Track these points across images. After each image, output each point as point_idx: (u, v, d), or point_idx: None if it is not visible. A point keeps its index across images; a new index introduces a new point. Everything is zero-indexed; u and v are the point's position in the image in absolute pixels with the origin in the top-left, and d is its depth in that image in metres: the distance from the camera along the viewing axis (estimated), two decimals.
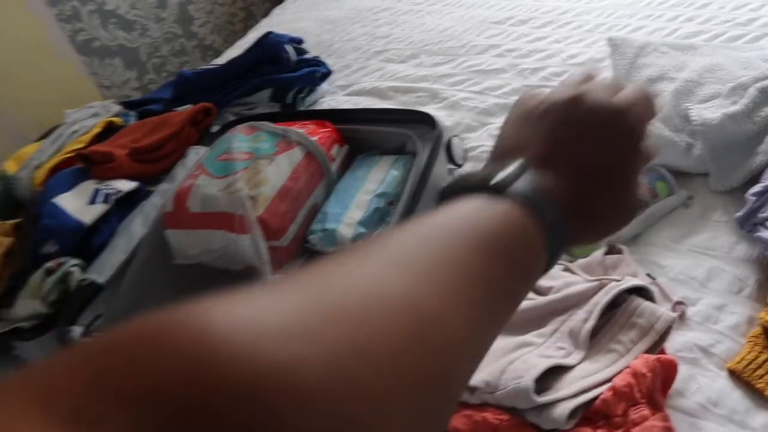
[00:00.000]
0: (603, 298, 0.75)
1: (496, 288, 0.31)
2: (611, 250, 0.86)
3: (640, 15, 1.35)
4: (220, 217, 0.93)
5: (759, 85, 0.96)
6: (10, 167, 1.23)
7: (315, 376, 0.19)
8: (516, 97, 1.20)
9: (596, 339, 0.74)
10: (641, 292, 0.77)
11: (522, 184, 0.35)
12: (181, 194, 0.97)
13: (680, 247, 0.88)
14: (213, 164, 1.01)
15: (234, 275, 0.95)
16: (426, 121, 1.05)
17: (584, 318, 0.75)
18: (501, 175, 0.35)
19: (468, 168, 1.08)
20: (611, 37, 1.12)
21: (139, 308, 0.93)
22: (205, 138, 1.20)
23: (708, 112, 0.96)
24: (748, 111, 0.94)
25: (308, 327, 0.21)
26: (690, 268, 0.84)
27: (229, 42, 2.71)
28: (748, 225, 0.86)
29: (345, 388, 0.20)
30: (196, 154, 1.13)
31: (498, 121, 1.17)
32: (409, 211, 0.88)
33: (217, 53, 2.67)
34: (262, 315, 0.21)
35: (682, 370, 0.72)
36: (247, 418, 0.18)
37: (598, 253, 0.86)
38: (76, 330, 0.89)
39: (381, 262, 0.28)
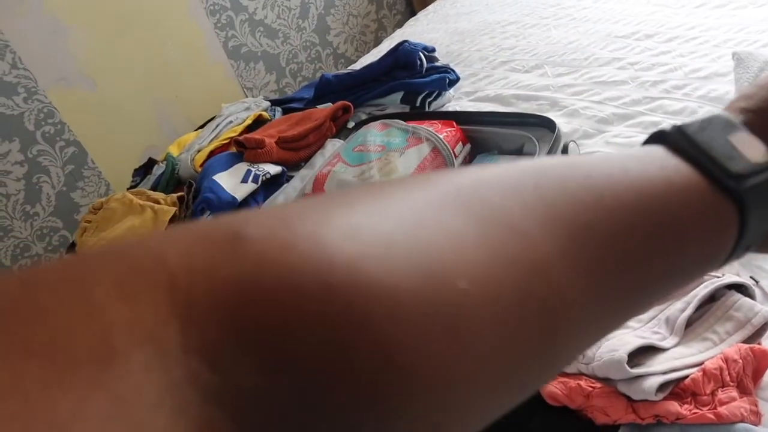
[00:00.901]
0: (701, 291, 0.80)
1: (648, 259, 0.25)
2: None
3: None
4: None
5: None
6: (173, 150, 1.42)
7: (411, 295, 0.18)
8: (635, 108, 1.24)
9: (692, 328, 0.79)
10: (741, 289, 0.81)
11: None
12: (319, 178, 1.10)
13: None
14: (349, 154, 1.13)
15: None
16: (546, 125, 1.12)
17: (682, 308, 0.80)
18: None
19: None
20: (736, 52, 1.15)
21: None
22: (342, 132, 1.34)
23: None
24: None
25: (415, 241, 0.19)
26: None
27: (360, 51, 2.89)
28: None
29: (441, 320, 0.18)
30: (334, 145, 1.27)
31: (615, 130, 1.22)
32: None
33: (348, 61, 2.85)
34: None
35: None
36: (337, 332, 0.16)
37: None
38: None
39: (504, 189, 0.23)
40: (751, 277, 0.88)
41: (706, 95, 1.23)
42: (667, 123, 1.17)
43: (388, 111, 1.43)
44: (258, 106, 1.50)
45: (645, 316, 0.82)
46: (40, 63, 1.90)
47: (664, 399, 0.70)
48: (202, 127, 1.53)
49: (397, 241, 0.19)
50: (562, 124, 1.24)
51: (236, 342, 0.16)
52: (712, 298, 0.81)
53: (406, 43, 1.47)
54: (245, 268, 0.16)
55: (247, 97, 2.50)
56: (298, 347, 0.16)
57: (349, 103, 1.36)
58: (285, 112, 1.51)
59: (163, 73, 2.23)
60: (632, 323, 0.81)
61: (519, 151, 1.16)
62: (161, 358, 0.15)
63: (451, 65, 1.56)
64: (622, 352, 0.72)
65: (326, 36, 2.77)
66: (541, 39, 1.61)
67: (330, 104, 1.41)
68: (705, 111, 1.20)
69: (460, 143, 1.16)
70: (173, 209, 1.15)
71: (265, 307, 0.16)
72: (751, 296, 0.80)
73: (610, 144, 1.19)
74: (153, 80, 2.20)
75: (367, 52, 2.29)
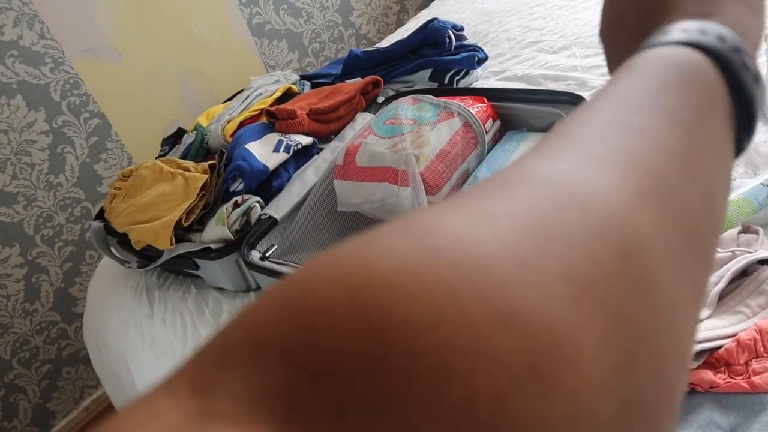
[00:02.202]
0: (734, 265, 0.81)
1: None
2: (746, 230, 0.91)
3: None
4: (385, 171, 1.06)
5: None
6: (202, 121, 1.43)
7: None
8: None
9: (724, 301, 0.80)
10: None
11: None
12: (351, 150, 1.11)
13: None
14: (381, 127, 1.14)
15: None
16: (577, 102, 1.13)
17: (715, 281, 0.81)
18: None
19: None
20: None
21: (304, 244, 1.08)
22: (372, 107, 1.34)
23: None
24: None
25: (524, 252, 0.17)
26: None
27: (382, 33, 2.89)
28: None
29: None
30: (364, 119, 1.27)
31: None
32: None
33: (370, 42, 2.85)
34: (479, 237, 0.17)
35: None
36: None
37: (732, 231, 0.90)
38: (255, 254, 1.05)
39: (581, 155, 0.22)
40: None
41: None
42: None
43: (417, 88, 1.44)
44: (287, 79, 1.51)
45: None
46: (67, 33, 1.91)
47: (698, 368, 0.71)
48: (230, 99, 1.54)
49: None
50: None
51: None
52: (743, 273, 0.82)
53: (436, 21, 1.48)
54: None
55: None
56: None
57: (380, 78, 1.37)
58: (314, 86, 1.52)
59: (187, 48, 2.24)
60: None
61: (549, 129, 1.17)
62: None
63: (479, 45, 1.56)
64: None
65: (349, 16, 2.76)
66: (570, 21, 1.61)
67: (359, 79, 1.42)
68: None
69: (491, 119, 1.17)
70: (205, 176, 1.16)
71: None
72: None
73: None
74: (177, 55, 2.21)
75: (389, 34, 2.29)
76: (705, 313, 0.79)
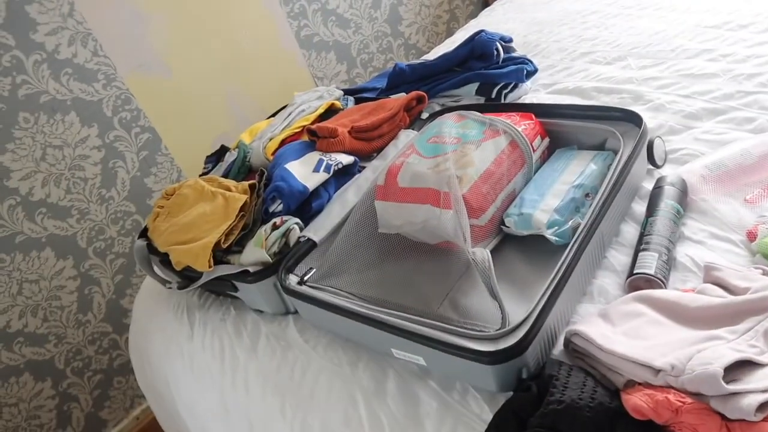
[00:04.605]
0: None
1: None
2: None
3: None
4: (427, 193, 1.02)
5: None
6: (245, 138, 1.42)
7: None
8: (726, 102, 1.17)
9: None
10: None
11: None
12: (392, 170, 1.08)
13: None
14: (423, 145, 1.10)
15: (430, 248, 1.04)
16: (631, 119, 1.07)
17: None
18: None
19: (666, 169, 1.09)
20: None
21: (344, 267, 1.05)
22: (416, 123, 1.31)
23: None
24: None
25: None
26: None
27: (431, 42, 2.85)
28: None
29: None
30: (407, 136, 1.24)
31: (704, 126, 1.15)
32: (605, 205, 0.91)
33: (420, 52, 2.82)
34: None
35: None
36: None
37: None
38: (293, 279, 1.03)
39: None
40: None
41: None
42: (762, 118, 1.10)
43: (463, 102, 1.40)
44: (330, 95, 1.49)
45: (741, 327, 0.76)
46: (119, 50, 1.95)
47: (765, 420, 0.65)
48: (274, 115, 1.52)
49: None
50: (647, 119, 1.17)
51: None
52: None
53: (483, 33, 1.43)
54: None
55: (317, 86, 2.50)
56: None
57: (424, 93, 1.33)
58: (357, 101, 1.49)
59: (235, 61, 2.25)
60: (726, 334, 0.75)
61: (601, 147, 1.11)
62: None
63: (528, 56, 1.51)
64: (717, 366, 0.66)
65: (398, 26, 2.74)
66: (624, 29, 1.54)
67: (403, 94, 1.38)
68: None
69: (539, 137, 1.12)
70: (244, 197, 1.14)
71: None
72: None
73: (699, 140, 1.12)
74: (226, 68, 2.23)
75: (439, 44, 2.25)
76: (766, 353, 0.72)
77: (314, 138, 1.23)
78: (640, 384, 0.72)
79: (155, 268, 1.25)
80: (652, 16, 1.57)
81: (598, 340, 0.76)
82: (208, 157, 1.49)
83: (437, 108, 1.37)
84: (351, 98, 1.49)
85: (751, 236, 0.91)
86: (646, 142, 1.03)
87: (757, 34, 1.35)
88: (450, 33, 2.85)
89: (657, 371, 0.71)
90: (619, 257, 0.94)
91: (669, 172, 1.07)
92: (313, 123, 1.35)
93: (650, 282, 0.86)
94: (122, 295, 2.08)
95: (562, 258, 0.85)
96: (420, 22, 2.82)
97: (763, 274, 0.84)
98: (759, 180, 1.01)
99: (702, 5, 1.55)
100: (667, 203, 0.96)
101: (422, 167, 1.05)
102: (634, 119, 1.06)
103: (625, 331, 0.79)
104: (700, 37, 1.40)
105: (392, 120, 1.25)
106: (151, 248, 1.26)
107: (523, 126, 1.10)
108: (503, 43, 1.45)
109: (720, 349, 0.72)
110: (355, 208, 1.10)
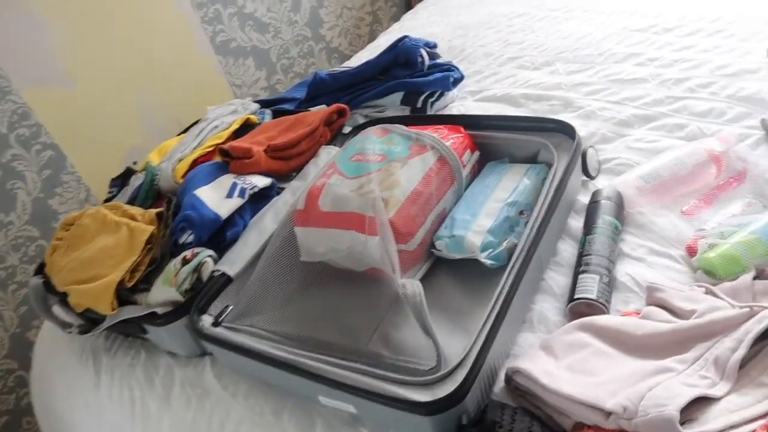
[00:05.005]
0: (755, 326, 0.70)
1: None
2: (761, 274, 0.80)
3: None
4: (350, 218, 0.93)
5: None
6: (154, 158, 1.30)
7: None
8: (657, 109, 1.14)
9: (744, 370, 0.69)
10: None
11: None
12: (313, 193, 0.99)
13: None
14: (346, 164, 1.02)
15: (357, 276, 0.96)
16: (564, 130, 1.02)
17: (733, 347, 0.70)
18: None
19: (600, 180, 1.04)
20: None
21: (264, 303, 0.96)
22: (337, 138, 1.22)
23: None
24: None
25: None
26: None
27: (354, 45, 2.77)
28: None
29: None
30: (328, 153, 1.15)
31: (636, 133, 1.11)
32: (543, 225, 0.86)
33: (342, 56, 2.74)
34: None
35: None
36: None
37: (746, 277, 0.80)
38: (206, 320, 0.93)
39: None
40: None
41: (734, 94, 1.13)
42: (693, 125, 1.07)
43: (388, 113, 1.32)
44: (246, 108, 1.38)
45: (689, 356, 0.72)
46: (14, 61, 1.78)
47: None
48: (186, 131, 1.41)
49: None
50: (579, 126, 1.13)
51: None
52: (764, 335, 0.70)
53: (407, 39, 1.36)
54: None
55: (235, 95, 2.38)
56: None
57: (345, 106, 1.25)
58: (275, 114, 1.39)
59: (147, 69, 2.11)
60: (676, 365, 0.71)
61: (533, 159, 1.05)
62: None
63: (454, 62, 1.45)
64: (672, 408, 0.61)
65: (319, 30, 2.64)
66: (551, 33, 1.50)
67: (324, 106, 1.30)
68: (734, 112, 1.09)
69: (468, 151, 1.05)
70: (151, 228, 1.03)
71: None
72: None
73: (632, 149, 1.09)
74: (136, 77, 2.08)
75: (362, 47, 2.17)
76: (724, 387, 0.67)
77: (227, 159, 1.13)
78: (589, 427, 0.67)
79: (54, 309, 1.12)
80: (579, 19, 1.54)
81: (542, 379, 0.71)
82: (113, 180, 1.36)
83: (360, 120, 1.29)
84: (268, 112, 1.38)
85: (691, 251, 0.88)
86: (581, 155, 0.98)
87: (682, 37, 1.33)
88: (373, 36, 2.78)
89: (608, 414, 0.65)
90: (557, 279, 0.89)
91: (603, 183, 1.03)
92: (226, 141, 1.24)
93: (592, 307, 0.82)
94: (28, 328, 1.91)
95: (500, 286, 0.79)
96: (342, 24, 2.73)
97: (706, 292, 0.80)
98: (694, 190, 0.98)
99: (628, 8, 1.52)
100: (605, 219, 0.92)
101: (345, 189, 0.96)
102: (568, 131, 1.01)
103: (570, 364, 0.74)
104: (627, 40, 1.38)
105: (312, 136, 1.16)
106: (49, 286, 1.12)
107: (452, 140, 1.03)
108: (428, 50, 1.38)
109: (672, 385, 0.67)
110: (274, 235, 1.01)
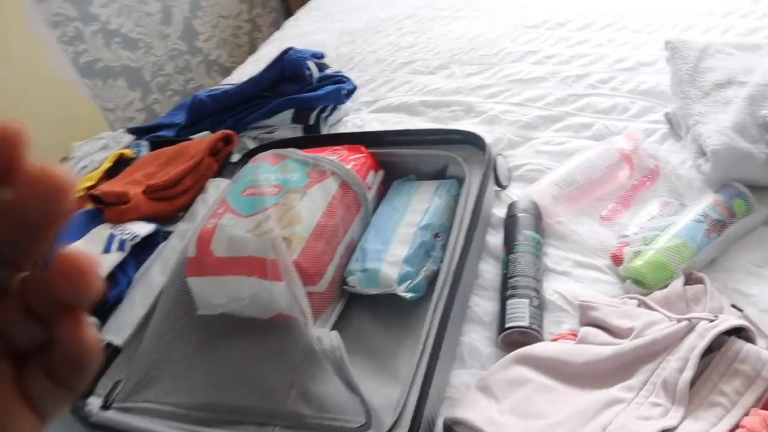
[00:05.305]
0: (698, 342, 0.66)
1: None
2: (689, 278, 0.77)
3: (689, 13, 1.25)
4: (250, 262, 0.83)
5: None
6: None
7: None
8: (561, 108, 1.10)
9: (694, 389, 0.64)
10: (739, 333, 0.67)
11: None
12: (204, 237, 0.87)
13: (765, 272, 0.79)
14: (238, 200, 0.91)
15: (264, 324, 0.85)
16: (472, 141, 0.95)
17: (679, 367, 0.65)
18: None
19: (513, 189, 0.99)
20: (669, 40, 1.01)
21: (161, 371, 0.83)
22: (226, 168, 1.10)
23: None
24: None
25: None
26: None
27: (235, 56, 2.63)
28: None
29: None
30: (217, 187, 1.03)
31: (543, 135, 1.07)
32: (465, 249, 0.79)
33: (223, 68, 2.59)
34: None
35: None
36: None
37: (677, 284, 0.76)
38: (94, 402, 0.79)
39: None
40: (733, 306, 0.75)
41: (635, 88, 1.10)
42: (599, 123, 1.03)
43: (279, 133, 1.21)
44: (118, 142, 1.22)
45: (636, 382, 0.67)
46: None
47: None
48: None
49: None
50: (483, 133, 1.07)
51: None
52: (709, 349, 0.66)
53: (292, 51, 1.26)
54: None
55: (108, 121, 2.17)
56: None
57: (231, 132, 1.13)
58: (153, 145, 1.24)
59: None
60: (624, 394, 0.66)
61: (442, 174, 0.98)
62: None
63: (344, 71, 1.36)
64: None
65: (195, 42, 2.48)
66: (443, 34, 1.44)
67: (207, 132, 1.17)
68: (637, 107, 1.06)
69: (372, 171, 0.97)
70: None
71: None
72: (752, 339, 0.67)
73: (541, 153, 1.04)
74: None
75: (243, 57, 2.04)
76: (677, 413, 0.63)
77: (100, 206, 0.98)
78: None
79: None
80: (469, 18, 1.48)
81: (487, 429, 0.63)
82: None
83: (250, 144, 1.18)
84: (144, 143, 1.23)
85: (616, 260, 0.84)
86: (493, 168, 0.92)
87: (575, 32, 1.30)
88: (254, 45, 2.64)
89: None
90: (483, 305, 0.83)
91: (516, 192, 0.97)
92: (98, 184, 1.09)
93: (525, 334, 0.76)
94: None
95: (427, 322, 0.72)
96: (219, 35, 2.58)
97: (639, 304, 0.76)
98: (610, 193, 0.94)
99: (516, 3, 1.49)
100: (525, 235, 0.86)
101: (240, 230, 0.85)
102: (477, 142, 0.94)
103: (513, 406, 0.68)
104: (521, 38, 1.33)
105: (196, 169, 1.04)
106: None
107: (353, 162, 0.94)
108: (316, 61, 1.28)
109: (627, 422, 0.62)
110: (164, 290, 0.88)
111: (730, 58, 0.99)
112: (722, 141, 0.85)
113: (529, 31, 1.35)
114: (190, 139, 1.15)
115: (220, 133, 1.10)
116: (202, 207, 1.00)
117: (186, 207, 1.02)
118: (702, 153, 0.91)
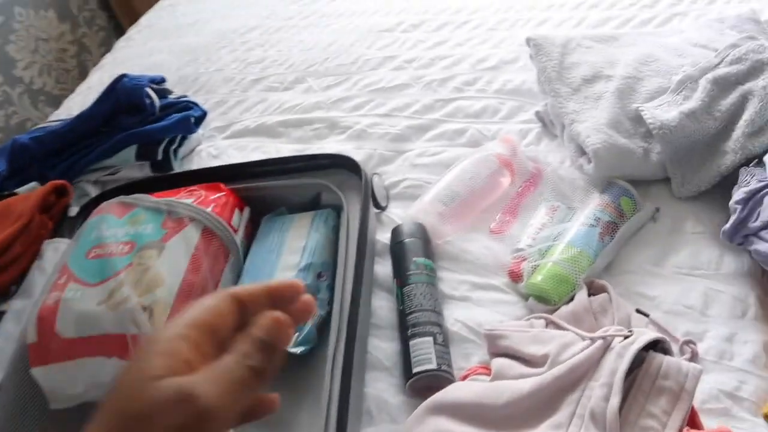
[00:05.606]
0: (618, 363, 0.62)
1: None
2: (591, 287, 0.74)
3: (541, 6, 1.24)
4: (107, 340, 0.70)
5: (710, 76, 0.87)
6: None
7: None
8: (430, 116, 1.03)
9: (622, 414, 0.60)
10: (656, 346, 0.64)
11: None
12: (45, 316, 0.72)
13: (663, 271, 0.77)
14: (82, 265, 0.77)
15: None
16: (343, 164, 0.87)
17: (604, 394, 0.61)
18: None
19: (393, 209, 0.92)
20: (531, 37, 0.98)
21: None
22: (64, 225, 0.94)
23: (662, 112, 0.85)
24: (705, 106, 0.84)
25: None
26: (682, 296, 0.75)
27: (64, 83, 2.38)
28: (737, 237, 0.76)
29: None
30: (55, 249, 0.87)
31: (416, 147, 1.00)
32: (357, 289, 0.71)
33: (51, 97, 2.33)
34: None
35: (715, 426, 0.62)
36: None
37: (581, 296, 0.73)
38: None
39: None
40: (638, 311, 0.73)
41: (502, 88, 1.07)
42: (472, 128, 0.99)
43: (123, 173, 1.07)
44: None
45: (563, 417, 0.61)
46: None
47: None
48: None
49: None
50: (351, 151, 1.00)
51: None
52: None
53: (126, 78, 1.11)
54: None
55: None
56: None
57: (63, 182, 0.96)
58: None
59: None
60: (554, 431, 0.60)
61: (315, 204, 0.89)
62: None
63: (189, 95, 1.23)
64: None
65: (12, 71, 2.21)
66: (294, 45, 1.34)
67: (36, 184, 1.00)
68: (507, 107, 1.03)
69: (237, 210, 0.86)
70: None
71: None
72: (668, 350, 0.64)
73: (416, 166, 0.98)
74: None
75: (74, 83, 1.83)
76: None
77: None
78: None
79: None
80: (319, 26, 1.40)
81: None
82: None
83: (91, 190, 1.03)
84: None
85: (515, 276, 0.80)
86: (371, 193, 0.84)
87: (431, 33, 1.26)
88: (84, 68, 2.40)
89: None
90: (382, 347, 0.75)
91: (396, 211, 0.90)
92: None
93: (436, 377, 0.69)
94: None
95: (327, 382, 0.64)
96: (40, 60, 2.32)
97: (547, 324, 0.72)
98: (495, 203, 0.90)
99: (366, 7, 1.42)
100: (417, 263, 0.79)
101: (89, 303, 0.72)
102: (349, 165, 0.86)
103: None
104: (377, 43, 1.27)
105: (26, 232, 0.87)
106: None
107: (213, 203, 0.83)
108: (155, 86, 1.15)
109: None
110: (2, 385, 0.73)
111: (591, 52, 0.97)
112: (601, 139, 0.83)
113: (384, 35, 1.28)
114: (15, 194, 0.98)
115: (49, 185, 0.93)
116: (40, 276, 0.84)
117: (19, 279, 0.85)
118: (582, 152, 0.88)
